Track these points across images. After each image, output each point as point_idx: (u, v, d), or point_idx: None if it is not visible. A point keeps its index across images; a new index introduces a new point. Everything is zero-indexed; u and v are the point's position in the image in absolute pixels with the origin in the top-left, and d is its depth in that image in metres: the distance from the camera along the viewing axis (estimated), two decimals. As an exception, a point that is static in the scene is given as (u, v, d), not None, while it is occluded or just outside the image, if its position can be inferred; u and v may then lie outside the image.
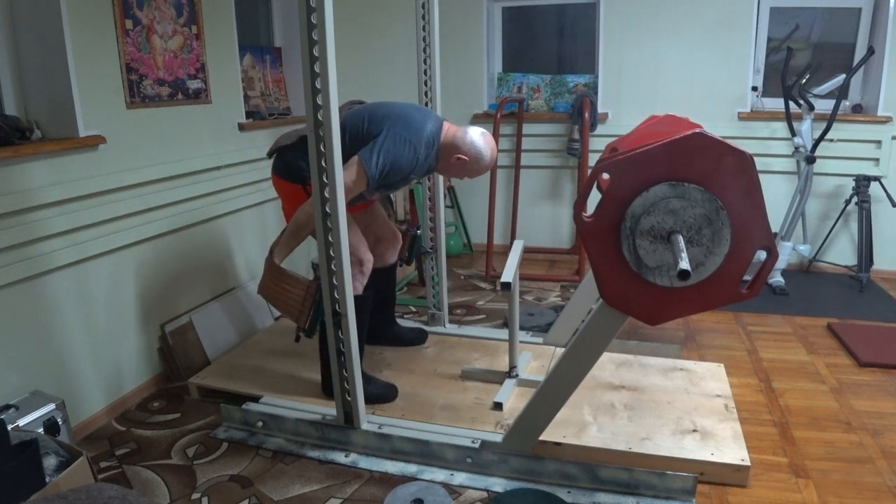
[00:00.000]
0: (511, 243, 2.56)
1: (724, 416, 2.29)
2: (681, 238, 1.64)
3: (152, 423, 2.48)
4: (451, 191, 4.62)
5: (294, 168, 2.30)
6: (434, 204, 2.97)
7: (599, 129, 4.23)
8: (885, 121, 3.82)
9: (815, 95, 3.62)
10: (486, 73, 4.47)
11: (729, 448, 2.08)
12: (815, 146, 3.64)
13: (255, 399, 2.48)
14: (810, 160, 3.65)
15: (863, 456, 2.16)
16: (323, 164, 1.94)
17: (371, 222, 2.68)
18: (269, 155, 2.42)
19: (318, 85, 1.86)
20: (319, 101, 1.88)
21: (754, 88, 4.08)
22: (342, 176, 2.07)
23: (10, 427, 1.85)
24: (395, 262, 2.81)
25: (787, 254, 3.79)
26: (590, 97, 4.08)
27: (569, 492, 2.00)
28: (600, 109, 4.27)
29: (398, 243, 2.78)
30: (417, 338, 2.96)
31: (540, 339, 2.94)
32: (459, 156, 2.28)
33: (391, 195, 3.65)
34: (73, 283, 2.35)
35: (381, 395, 2.41)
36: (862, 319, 3.33)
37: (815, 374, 2.76)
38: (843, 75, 3.55)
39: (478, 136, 2.30)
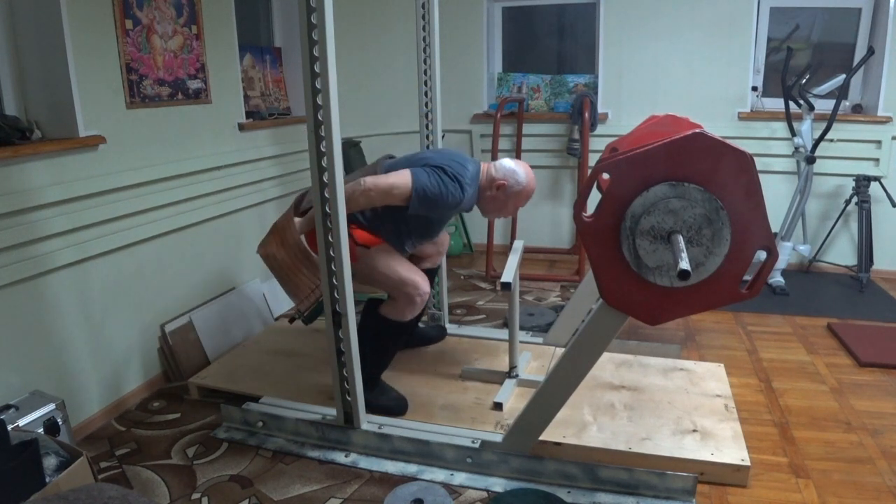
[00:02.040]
0: (511, 243, 2.56)
1: (724, 416, 2.29)
2: (681, 238, 1.64)
3: (152, 423, 2.47)
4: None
5: None
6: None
7: (599, 129, 4.23)
8: (885, 121, 3.82)
9: (815, 95, 3.62)
10: (486, 73, 4.47)
11: (729, 448, 2.08)
12: (815, 146, 3.64)
13: (255, 399, 2.48)
14: (810, 160, 3.65)
15: (863, 456, 2.16)
16: (323, 164, 1.94)
17: None
18: (298, 207, 2.40)
19: (318, 85, 1.86)
20: (319, 101, 1.88)
21: (754, 88, 4.08)
22: (383, 180, 2.12)
23: (10, 427, 1.85)
24: (439, 265, 2.84)
25: (787, 254, 3.79)
26: (590, 97, 4.08)
27: (569, 492, 2.00)
28: (600, 109, 4.27)
29: (447, 240, 2.81)
30: (439, 335, 2.99)
31: (540, 339, 2.94)
32: (497, 183, 2.31)
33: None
34: (73, 283, 2.35)
35: (391, 407, 2.39)
36: (862, 319, 3.33)
37: (815, 374, 2.76)
38: (843, 75, 3.55)
39: (507, 160, 2.38)
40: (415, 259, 2.61)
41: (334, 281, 2.05)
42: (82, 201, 2.35)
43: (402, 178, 2.16)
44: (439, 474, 2.11)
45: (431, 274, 2.79)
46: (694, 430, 2.19)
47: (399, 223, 2.31)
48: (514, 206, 2.40)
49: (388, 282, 2.29)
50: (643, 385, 2.53)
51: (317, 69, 1.85)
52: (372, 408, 2.33)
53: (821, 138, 3.62)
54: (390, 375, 2.61)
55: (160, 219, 2.72)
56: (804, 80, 3.62)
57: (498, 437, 2.12)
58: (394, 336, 2.36)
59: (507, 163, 2.36)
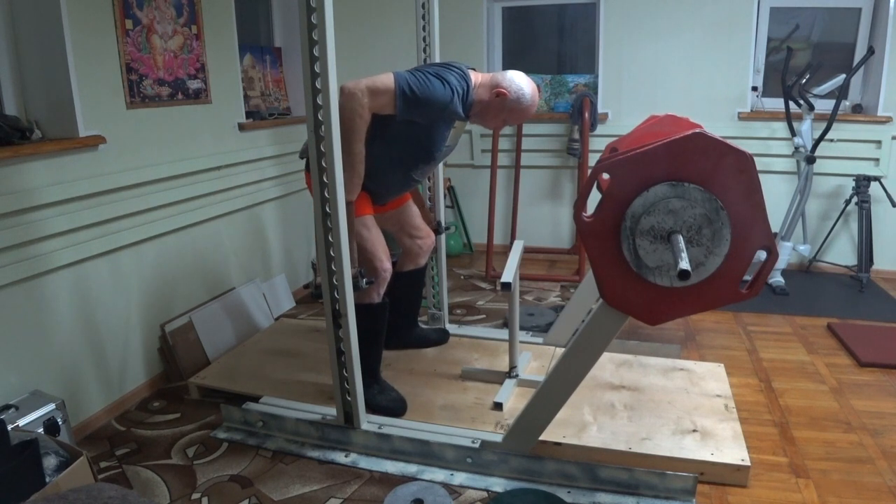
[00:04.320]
0: (511, 243, 2.56)
1: (724, 416, 2.29)
2: (681, 238, 1.64)
3: (152, 423, 2.47)
4: (450, 191, 4.62)
5: None
6: (434, 204, 2.96)
7: (599, 129, 4.23)
8: (885, 121, 3.82)
9: (815, 95, 3.62)
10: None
11: (729, 448, 2.08)
12: (815, 146, 3.64)
13: (255, 399, 2.48)
14: (810, 160, 3.65)
15: (863, 456, 2.16)
16: (323, 164, 1.94)
17: (405, 221, 2.64)
18: (302, 156, 2.37)
19: (318, 85, 1.87)
20: (319, 101, 1.88)
21: (754, 88, 4.08)
22: (364, 80, 2.04)
23: (10, 427, 1.85)
24: (426, 265, 2.80)
25: (787, 254, 3.79)
26: (590, 97, 4.08)
27: (569, 492, 2.00)
28: (600, 109, 4.27)
29: (431, 243, 2.73)
30: (441, 338, 2.96)
31: (540, 339, 2.94)
32: (499, 90, 2.19)
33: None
34: (73, 283, 2.35)
35: (390, 408, 2.38)
36: (862, 319, 3.33)
37: (815, 374, 2.76)
38: (843, 75, 3.55)
39: (516, 73, 2.23)
40: (398, 262, 2.61)
41: (334, 281, 2.05)
42: (82, 201, 2.35)
43: (382, 75, 2.08)
44: (439, 474, 2.11)
45: (418, 276, 2.78)
46: (694, 430, 2.19)
47: (396, 151, 2.23)
48: (504, 122, 2.28)
49: (362, 253, 2.27)
50: (643, 385, 2.53)
51: (317, 69, 1.85)
52: (371, 408, 2.33)
53: (821, 138, 3.62)
54: (390, 375, 2.61)
55: (160, 219, 2.72)
56: (804, 80, 3.62)
57: (498, 437, 2.12)
58: (370, 322, 2.31)
59: (517, 76, 2.23)
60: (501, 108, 2.23)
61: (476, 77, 2.26)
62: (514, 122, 2.30)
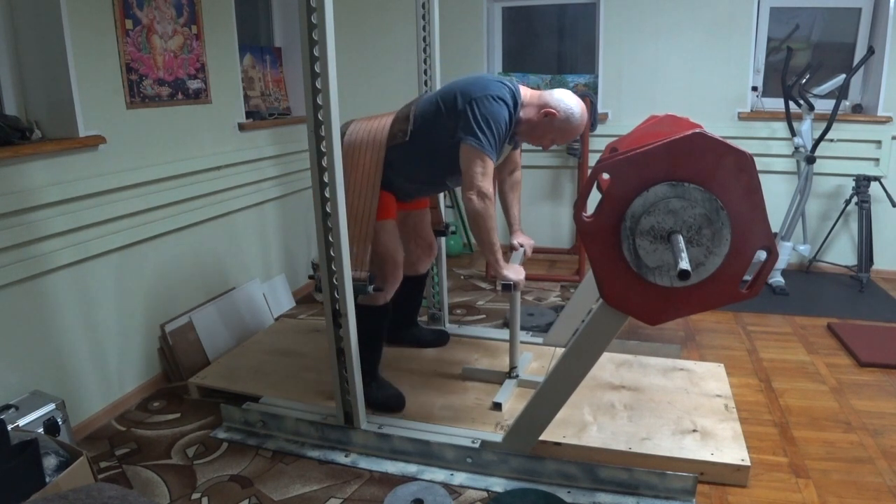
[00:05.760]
0: (511, 243, 2.57)
1: (724, 416, 2.29)
2: (681, 238, 1.64)
3: (152, 423, 2.47)
4: (451, 191, 4.61)
5: None
6: (434, 204, 2.96)
7: (599, 129, 4.22)
8: (885, 121, 3.82)
9: (815, 95, 3.62)
10: (486, 73, 4.47)
11: (729, 448, 2.08)
12: (815, 146, 3.64)
13: (255, 399, 2.48)
14: (810, 160, 3.65)
15: (863, 456, 2.16)
16: (323, 163, 1.94)
17: (417, 225, 2.65)
18: None
19: (318, 85, 1.86)
20: (319, 101, 1.88)
21: (754, 88, 4.08)
22: (467, 166, 2.11)
23: (10, 427, 1.85)
24: (426, 273, 2.81)
25: (787, 254, 3.79)
26: (590, 97, 4.07)
27: (569, 492, 2.00)
28: (600, 109, 4.27)
29: (433, 255, 2.75)
30: (438, 339, 2.96)
31: (540, 340, 2.94)
32: (547, 110, 2.15)
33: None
34: (73, 283, 2.35)
35: (387, 403, 2.38)
36: (862, 319, 3.33)
37: (815, 374, 2.76)
38: (843, 75, 3.55)
39: (564, 93, 2.19)
40: (407, 264, 2.62)
41: (334, 281, 2.05)
42: (82, 201, 2.35)
43: (473, 160, 2.08)
44: (439, 474, 2.11)
45: (421, 280, 2.80)
46: (694, 430, 2.19)
47: (439, 160, 2.24)
48: (552, 140, 2.22)
49: (377, 255, 2.30)
50: (643, 385, 2.53)
51: (317, 69, 1.85)
52: (369, 403, 2.32)
53: (821, 138, 3.62)
54: (390, 375, 2.61)
55: (160, 219, 2.72)
56: (804, 80, 3.62)
57: (498, 438, 2.12)
58: (371, 323, 2.32)
59: (566, 96, 2.17)
60: (549, 128, 2.19)
61: (525, 94, 2.22)
62: (562, 142, 2.27)
